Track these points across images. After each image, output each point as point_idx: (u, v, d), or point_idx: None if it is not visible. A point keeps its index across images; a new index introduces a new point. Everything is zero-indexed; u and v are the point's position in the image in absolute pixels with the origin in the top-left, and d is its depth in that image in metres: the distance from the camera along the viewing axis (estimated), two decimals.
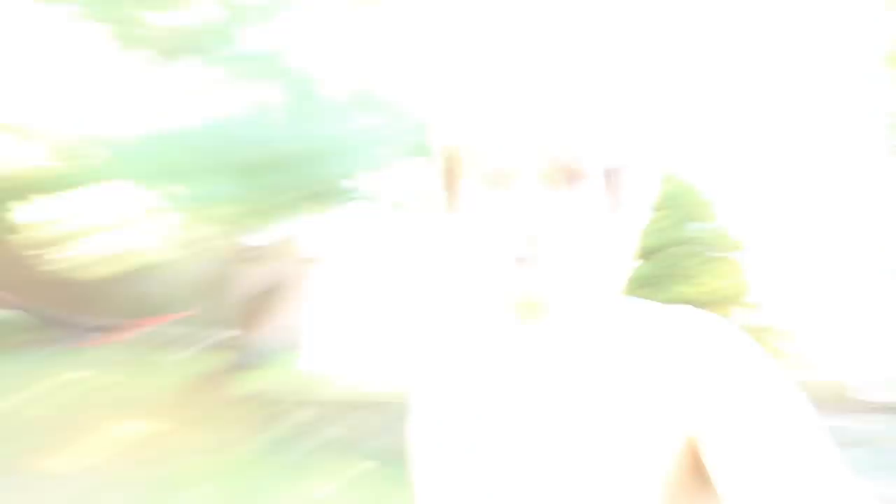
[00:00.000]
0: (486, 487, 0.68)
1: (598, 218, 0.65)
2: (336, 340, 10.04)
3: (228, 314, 8.36)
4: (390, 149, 6.29)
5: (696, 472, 0.59)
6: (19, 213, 7.76)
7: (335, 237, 8.71)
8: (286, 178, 5.84)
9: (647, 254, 13.25)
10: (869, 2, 8.80)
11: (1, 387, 7.24)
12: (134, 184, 6.26)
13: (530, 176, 0.63)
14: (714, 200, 12.93)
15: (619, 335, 0.67)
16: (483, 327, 0.79)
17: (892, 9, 8.41)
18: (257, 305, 8.51)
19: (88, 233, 8.47)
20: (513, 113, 0.64)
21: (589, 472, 0.61)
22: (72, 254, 8.72)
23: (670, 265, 12.26)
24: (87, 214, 8.34)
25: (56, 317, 9.96)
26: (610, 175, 0.66)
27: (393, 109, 6.35)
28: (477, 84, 0.69)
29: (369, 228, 8.14)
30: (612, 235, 0.68)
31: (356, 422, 6.20)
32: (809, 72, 10.17)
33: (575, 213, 0.64)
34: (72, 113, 6.84)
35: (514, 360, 0.72)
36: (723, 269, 12.58)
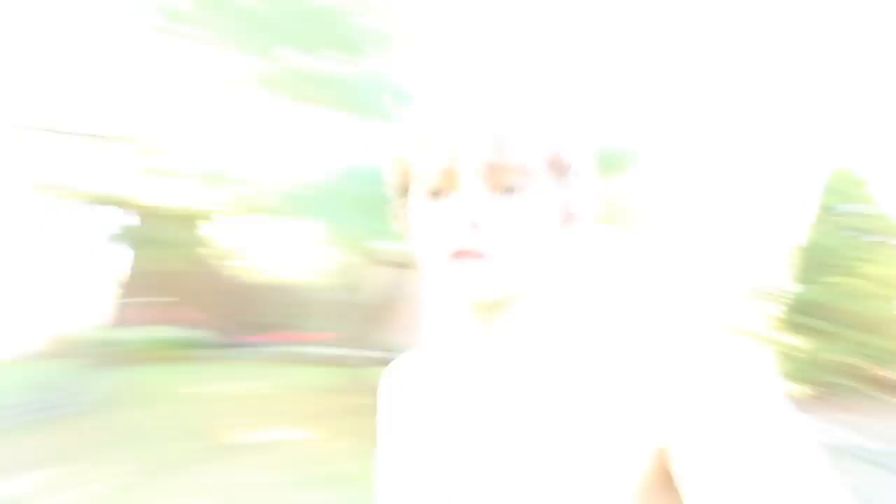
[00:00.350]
0: (448, 492, 0.67)
1: (544, 217, 0.65)
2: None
3: (364, 326, 8.89)
4: None
5: (666, 483, 0.58)
6: (200, 237, 8.68)
7: None
8: None
9: (796, 243, 12.31)
10: None
11: (161, 394, 8.31)
12: (294, 218, 7.01)
13: (469, 178, 0.63)
14: (871, 180, 11.57)
15: (588, 337, 0.66)
16: (448, 329, 0.78)
17: None
18: (388, 308, 9.05)
19: (254, 258, 9.53)
20: (450, 116, 0.65)
21: (552, 480, 0.60)
22: (238, 275, 9.85)
23: (822, 253, 11.35)
24: (255, 243, 9.35)
25: (218, 332, 11.19)
26: (557, 176, 0.66)
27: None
28: (421, 95, 0.69)
29: None
30: (560, 234, 0.68)
31: None
32: None
33: (517, 211, 0.64)
34: (239, 153, 7.59)
35: (474, 363, 0.72)
36: (883, 256, 11.33)
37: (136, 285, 8.09)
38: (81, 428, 6.46)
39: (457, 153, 0.64)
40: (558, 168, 0.66)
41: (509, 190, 0.64)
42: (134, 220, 7.84)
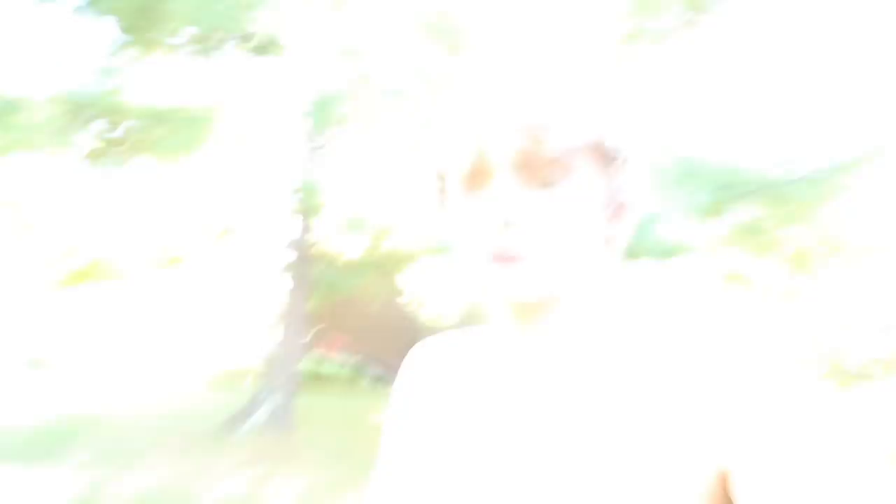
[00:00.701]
0: (468, 498, 0.62)
1: (586, 212, 0.60)
2: None
3: None
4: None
5: None
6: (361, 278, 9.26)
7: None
8: None
9: None
10: None
11: (332, 419, 8.76)
12: (444, 260, 7.47)
13: (502, 173, 0.59)
14: None
15: (639, 347, 0.61)
16: (486, 331, 0.73)
17: None
18: None
19: (410, 297, 10.13)
20: (479, 105, 0.60)
21: (601, 501, 0.55)
22: (395, 313, 10.50)
23: None
24: (411, 283, 9.97)
25: (378, 365, 11.95)
26: (602, 168, 0.61)
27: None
28: (458, 90, 0.66)
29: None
30: (603, 232, 0.62)
31: None
32: None
33: (555, 207, 0.58)
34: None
35: (512, 366, 0.66)
36: None
37: (306, 320, 8.90)
38: (260, 447, 6.89)
39: (487, 146, 0.59)
40: (601, 156, 0.61)
41: (546, 184, 0.59)
42: (300, 261, 8.63)
